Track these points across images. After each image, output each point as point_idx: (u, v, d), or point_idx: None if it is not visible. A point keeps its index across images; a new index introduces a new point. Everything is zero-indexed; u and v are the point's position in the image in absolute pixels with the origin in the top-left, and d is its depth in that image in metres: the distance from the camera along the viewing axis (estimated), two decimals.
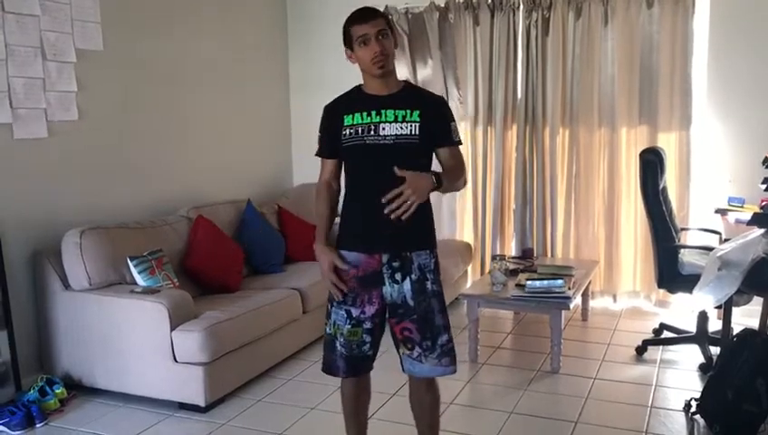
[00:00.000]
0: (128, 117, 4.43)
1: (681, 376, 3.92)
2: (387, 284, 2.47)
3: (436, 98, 2.60)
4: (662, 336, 4.51)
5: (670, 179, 4.78)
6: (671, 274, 4.05)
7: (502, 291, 4.22)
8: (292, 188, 6.01)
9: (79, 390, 3.77)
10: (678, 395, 3.59)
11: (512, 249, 5.57)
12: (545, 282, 4.08)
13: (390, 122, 2.42)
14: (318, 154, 2.66)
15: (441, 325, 2.49)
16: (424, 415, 2.66)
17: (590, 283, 4.87)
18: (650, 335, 4.53)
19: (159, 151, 4.71)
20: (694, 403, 3.35)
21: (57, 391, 3.62)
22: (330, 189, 2.64)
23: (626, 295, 5.35)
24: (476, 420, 3.44)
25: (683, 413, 3.39)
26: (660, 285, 4.18)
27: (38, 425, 3.41)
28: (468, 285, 5.45)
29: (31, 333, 3.84)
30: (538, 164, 5.39)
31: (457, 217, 5.77)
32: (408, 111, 2.42)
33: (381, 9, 2.58)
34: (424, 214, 2.48)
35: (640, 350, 4.26)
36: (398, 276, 2.46)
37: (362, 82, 2.53)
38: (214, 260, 4.33)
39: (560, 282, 4.06)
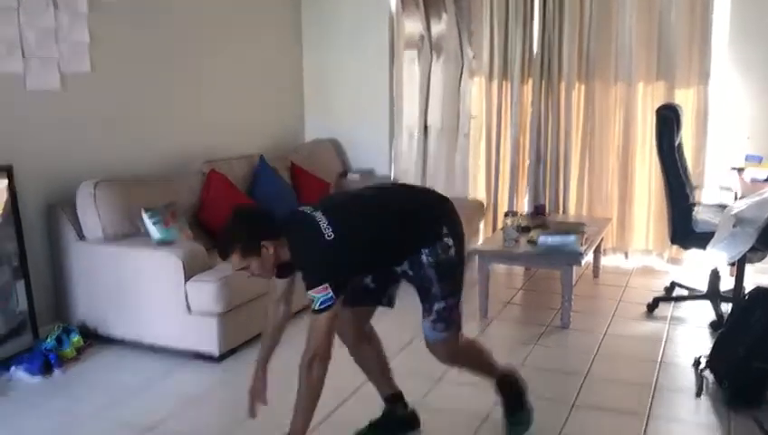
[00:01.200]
0: (141, 70, 4.40)
1: (692, 333, 3.94)
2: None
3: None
4: (674, 294, 4.51)
5: (686, 136, 4.71)
6: (685, 231, 4.03)
7: (514, 247, 4.22)
8: (304, 143, 5.99)
9: (95, 339, 3.83)
10: (688, 351, 3.60)
11: (524, 206, 5.56)
12: (557, 237, 4.07)
13: None
14: None
15: (438, 294, 2.50)
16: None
17: (602, 240, 4.85)
18: (662, 293, 4.53)
19: (173, 105, 4.69)
20: (703, 359, 3.36)
21: (74, 339, 3.68)
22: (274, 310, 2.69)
23: (638, 253, 5.34)
24: None
25: (692, 369, 3.40)
26: (674, 242, 4.17)
27: (56, 372, 3.48)
28: (480, 242, 5.46)
29: (47, 283, 3.90)
30: (553, 120, 5.35)
31: (470, 173, 5.75)
32: None
33: None
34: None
35: (651, 307, 4.27)
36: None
37: None
38: (227, 214, 4.34)
39: (572, 238, 4.04)
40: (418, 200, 2.62)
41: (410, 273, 2.52)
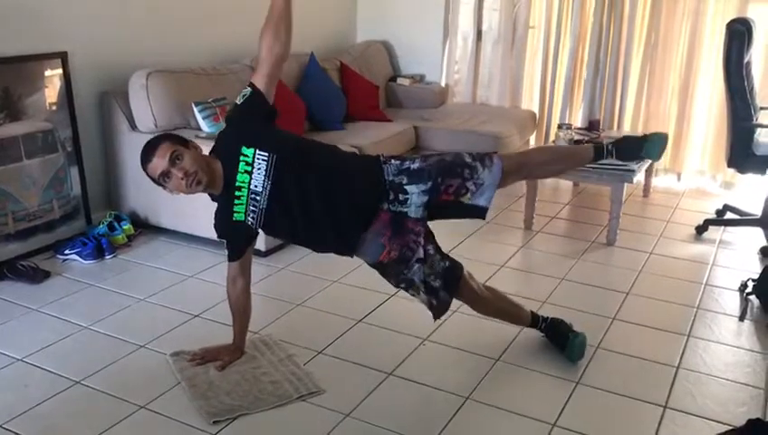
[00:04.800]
0: None
1: (740, 257, 3.86)
2: (405, 208, 2.40)
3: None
4: (725, 217, 4.40)
5: (757, 54, 4.48)
6: (744, 153, 3.90)
7: None
8: (355, 44, 5.88)
9: (145, 228, 3.93)
10: (735, 275, 3.54)
11: (578, 120, 5.42)
12: None
13: (247, 182, 2.35)
14: None
15: (465, 161, 2.45)
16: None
17: None
18: (713, 216, 4.42)
19: None
20: (750, 284, 3.31)
21: (125, 226, 3.78)
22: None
23: (691, 175, 5.22)
24: (527, 284, 3.49)
25: (738, 293, 3.36)
26: (730, 165, 4.03)
27: (107, 257, 3.60)
28: None
29: (99, 171, 3.98)
30: (615, 31, 5.13)
31: (524, 84, 5.61)
32: (246, 157, 2.34)
33: None
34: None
35: (701, 229, 4.18)
36: (400, 197, 2.40)
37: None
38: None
39: None
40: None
41: (437, 179, 2.41)
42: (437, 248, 2.47)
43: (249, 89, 2.39)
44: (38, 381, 2.52)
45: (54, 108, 3.62)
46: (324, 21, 5.67)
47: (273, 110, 2.43)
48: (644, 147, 2.75)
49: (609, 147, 2.72)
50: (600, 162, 3.90)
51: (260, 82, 2.38)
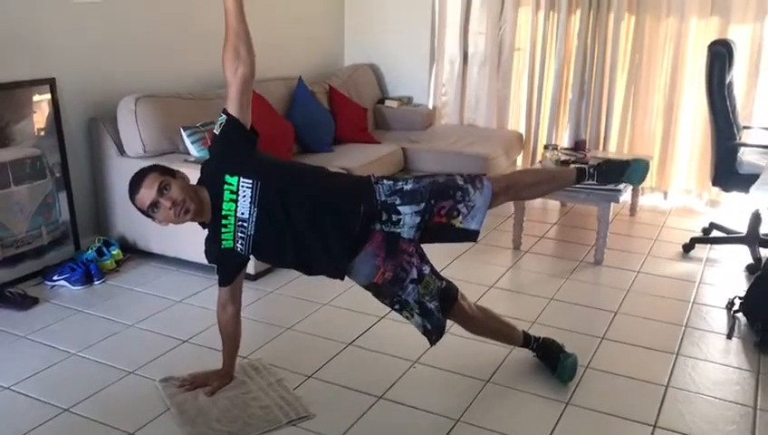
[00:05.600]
0: None
1: (727, 275, 3.89)
2: (398, 229, 2.41)
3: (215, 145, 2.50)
4: (711, 235, 4.44)
5: (738, 75, 4.56)
6: (728, 172, 3.94)
7: None
8: (343, 68, 5.92)
9: (134, 253, 3.93)
10: (722, 293, 3.56)
11: (564, 141, 5.47)
12: None
13: (233, 210, 2.35)
14: None
15: (457, 184, 2.46)
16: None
17: None
18: (699, 234, 4.46)
19: (213, 22, 4.64)
20: (737, 301, 3.33)
21: (114, 252, 3.78)
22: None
23: (677, 193, 5.26)
24: (516, 304, 3.50)
25: (725, 311, 3.38)
26: (715, 183, 4.08)
27: (96, 282, 3.59)
28: None
29: (88, 196, 3.98)
30: (599, 53, 5.20)
31: (511, 105, 5.66)
32: (231, 186, 2.33)
33: None
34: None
35: (687, 247, 4.22)
36: (393, 218, 2.40)
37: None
38: (264, 135, 4.33)
39: None
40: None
41: (427, 196, 2.41)
42: (433, 269, 2.48)
43: (223, 116, 2.39)
44: (26, 409, 2.51)
45: (43, 134, 3.62)
46: (312, 45, 5.71)
47: (252, 133, 2.45)
48: (626, 172, 2.81)
49: (591, 170, 2.77)
50: (586, 183, 3.97)
51: (232, 107, 2.39)
